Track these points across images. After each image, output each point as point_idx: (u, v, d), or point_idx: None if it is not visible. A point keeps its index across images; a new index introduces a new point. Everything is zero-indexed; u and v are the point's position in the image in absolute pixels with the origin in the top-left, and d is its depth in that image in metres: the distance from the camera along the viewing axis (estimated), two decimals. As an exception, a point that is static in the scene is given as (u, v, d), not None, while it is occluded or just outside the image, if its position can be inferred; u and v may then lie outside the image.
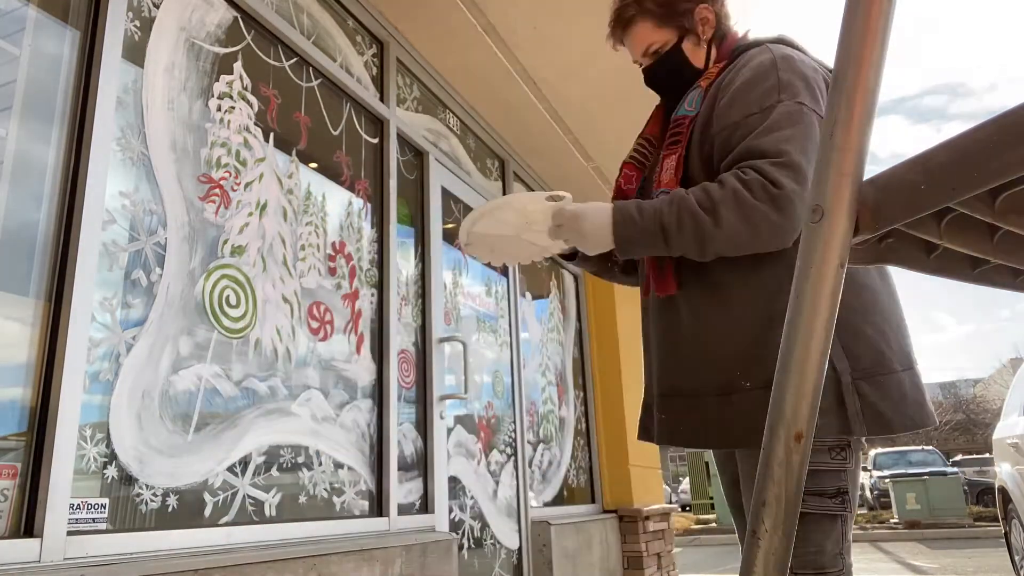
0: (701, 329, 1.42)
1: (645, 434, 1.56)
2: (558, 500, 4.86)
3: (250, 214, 2.44)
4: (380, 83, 3.44)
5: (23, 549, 1.59)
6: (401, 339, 3.23)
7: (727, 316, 1.39)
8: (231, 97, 2.44)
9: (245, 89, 2.51)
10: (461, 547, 3.47)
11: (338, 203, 2.93)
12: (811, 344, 0.60)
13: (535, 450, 4.63)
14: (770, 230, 1.28)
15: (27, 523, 1.62)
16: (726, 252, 1.34)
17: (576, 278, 5.88)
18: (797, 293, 0.61)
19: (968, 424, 30.59)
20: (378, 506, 2.89)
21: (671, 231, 1.32)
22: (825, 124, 0.60)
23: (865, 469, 20.69)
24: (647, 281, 1.53)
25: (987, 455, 23.29)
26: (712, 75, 1.51)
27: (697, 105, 1.48)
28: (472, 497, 3.69)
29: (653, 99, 1.68)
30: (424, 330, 3.47)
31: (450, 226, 3.92)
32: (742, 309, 1.37)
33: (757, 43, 1.51)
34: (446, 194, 3.90)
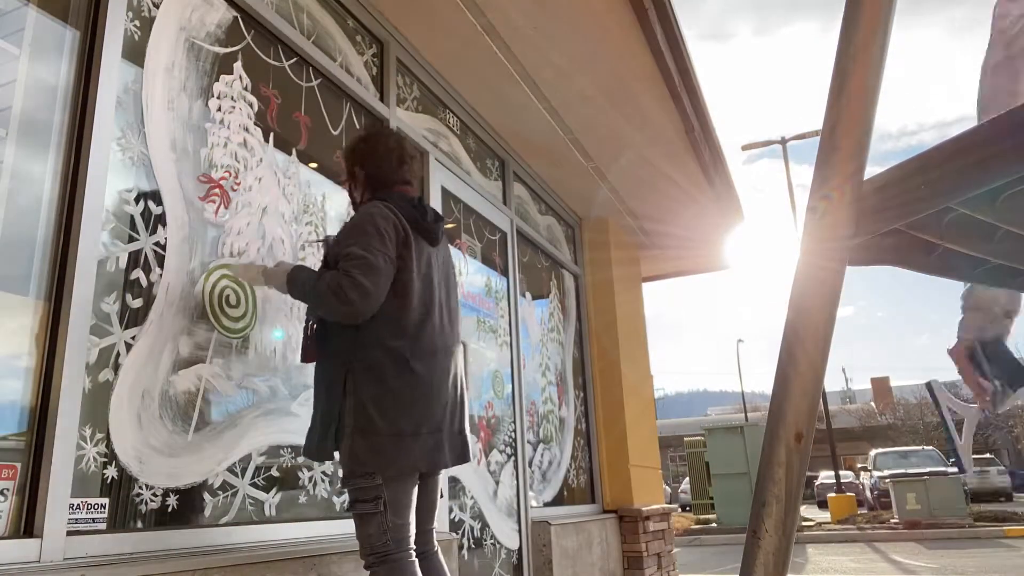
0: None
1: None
2: (558, 500, 4.86)
3: (250, 214, 2.44)
4: (380, 83, 3.43)
5: (23, 549, 1.59)
6: (401, 339, 3.22)
7: None
8: (231, 97, 2.44)
9: (245, 89, 2.51)
10: (461, 547, 3.47)
11: (338, 203, 2.93)
12: (811, 344, 0.60)
13: (535, 450, 4.63)
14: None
15: (27, 523, 1.62)
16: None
17: (576, 278, 5.88)
18: (797, 293, 0.60)
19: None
20: (378, 506, 2.88)
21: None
22: (825, 124, 0.60)
23: (865, 469, 20.65)
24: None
25: (987, 455, 23.28)
26: None
27: None
28: (472, 497, 3.69)
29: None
30: (424, 330, 3.46)
31: (450, 226, 3.92)
32: None
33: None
34: (446, 194, 3.89)
